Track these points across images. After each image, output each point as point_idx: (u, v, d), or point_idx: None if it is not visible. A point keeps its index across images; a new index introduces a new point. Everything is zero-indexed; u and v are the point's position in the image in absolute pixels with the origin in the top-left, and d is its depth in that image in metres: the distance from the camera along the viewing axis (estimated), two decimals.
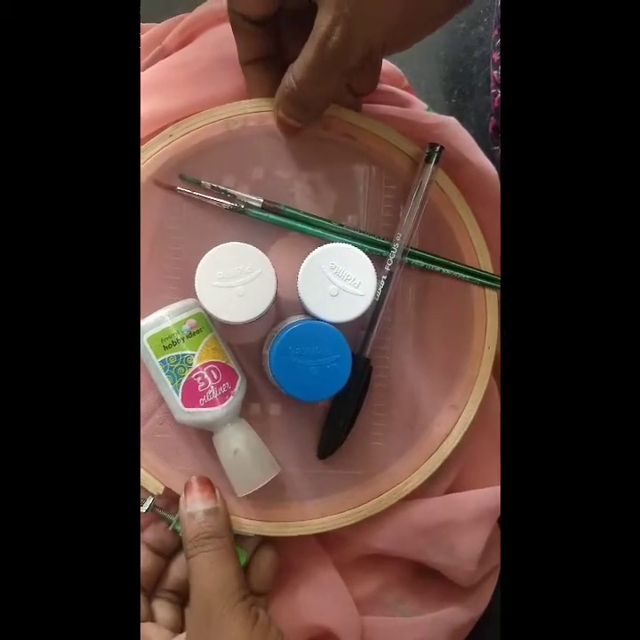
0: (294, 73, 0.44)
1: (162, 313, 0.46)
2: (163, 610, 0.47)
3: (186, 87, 0.52)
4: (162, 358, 0.45)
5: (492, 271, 0.52)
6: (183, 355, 0.45)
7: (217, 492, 0.47)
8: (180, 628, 0.47)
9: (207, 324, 0.47)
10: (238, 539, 0.48)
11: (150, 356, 0.45)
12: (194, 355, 0.46)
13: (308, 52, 0.42)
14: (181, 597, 0.49)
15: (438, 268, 0.51)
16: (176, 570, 0.49)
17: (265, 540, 0.50)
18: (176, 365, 0.45)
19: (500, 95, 0.57)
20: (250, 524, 0.49)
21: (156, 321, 0.46)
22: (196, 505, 0.46)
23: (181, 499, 0.47)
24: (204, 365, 0.46)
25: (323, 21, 0.41)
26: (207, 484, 0.47)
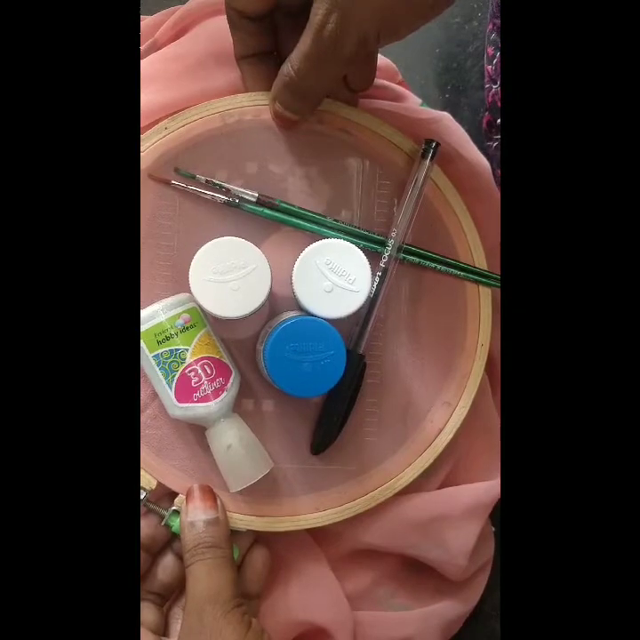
0: (292, 62, 0.44)
1: (155, 307, 0.46)
2: (147, 611, 0.47)
3: (179, 80, 0.51)
4: (155, 353, 0.45)
5: (486, 268, 0.52)
6: (177, 350, 0.45)
7: (218, 501, 0.47)
8: (162, 630, 0.47)
9: (201, 318, 0.47)
10: (231, 534, 0.48)
11: (144, 351, 0.45)
12: (187, 350, 0.45)
13: (305, 42, 0.43)
14: (165, 600, 0.49)
15: (433, 265, 0.51)
16: (161, 572, 0.48)
17: (258, 539, 0.50)
18: (169, 360, 0.45)
19: (494, 90, 0.57)
20: (242, 520, 0.49)
21: (149, 315, 0.45)
22: (197, 514, 0.46)
23: (183, 505, 0.46)
24: (197, 360, 0.46)
25: (318, 10, 0.41)
26: (209, 492, 0.47)
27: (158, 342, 0.45)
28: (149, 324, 0.45)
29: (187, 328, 0.46)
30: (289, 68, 0.45)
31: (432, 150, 0.49)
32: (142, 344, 0.45)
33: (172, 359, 0.45)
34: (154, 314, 0.45)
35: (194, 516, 0.45)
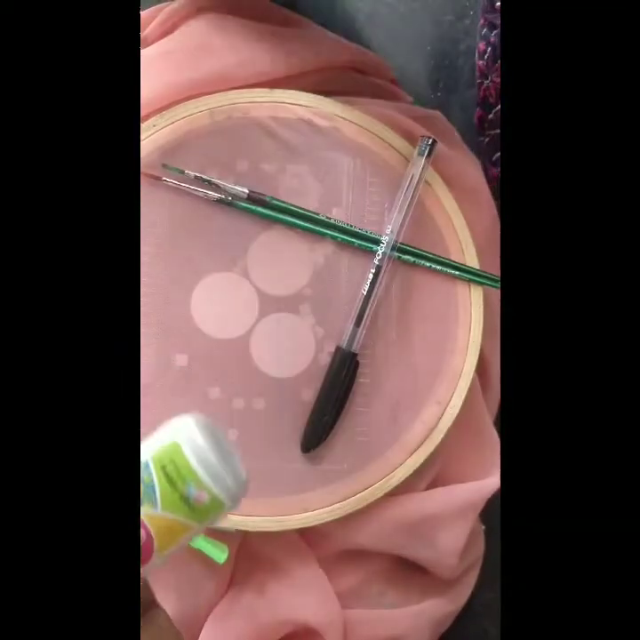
0: None
1: None
2: None
3: (166, 75, 0.51)
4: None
5: (478, 266, 0.52)
6: None
7: None
8: None
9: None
10: (219, 535, 0.48)
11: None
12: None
13: None
14: None
15: (428, 264, 0.51)
16: None
17: (246, 539, 0.49)
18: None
19: (485, 85, 0.58)
20: (231, 520, 0.48)
21: None
22: None
23: None
24: None
25: None
26: None
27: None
28: None
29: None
30: None
31: (428, 147, 0.49)
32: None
33: None
34: None
35: None
